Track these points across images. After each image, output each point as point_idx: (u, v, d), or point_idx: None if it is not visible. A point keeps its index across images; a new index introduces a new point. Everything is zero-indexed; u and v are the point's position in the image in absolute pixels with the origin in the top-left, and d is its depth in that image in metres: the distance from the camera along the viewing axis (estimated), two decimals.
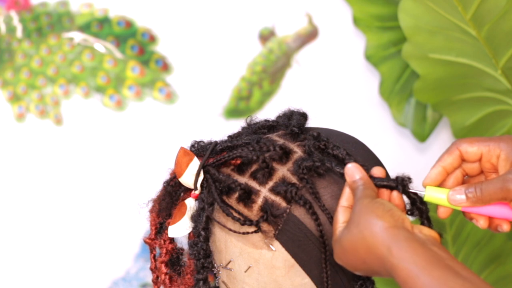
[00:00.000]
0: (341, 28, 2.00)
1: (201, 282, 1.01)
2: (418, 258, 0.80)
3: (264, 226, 0.94)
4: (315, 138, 0.98)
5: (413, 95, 1.87)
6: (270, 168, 0.95)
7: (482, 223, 0.91)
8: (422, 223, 0.94)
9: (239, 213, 0.95)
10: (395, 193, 0.92)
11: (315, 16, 2.00)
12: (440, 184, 0.93)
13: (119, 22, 1.94)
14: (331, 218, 0.94)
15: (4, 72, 1.91)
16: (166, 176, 1.04)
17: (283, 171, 0.96)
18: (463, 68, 1.73)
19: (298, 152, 0.97)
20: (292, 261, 0.95)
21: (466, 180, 0.94)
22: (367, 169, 0.92)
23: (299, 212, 0.94)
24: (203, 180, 0.99)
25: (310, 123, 1.04)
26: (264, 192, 0.95)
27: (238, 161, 0.98)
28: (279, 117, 1.05)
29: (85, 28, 1.93)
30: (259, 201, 0.95)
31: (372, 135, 2.04)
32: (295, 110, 1.05)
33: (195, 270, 1.02)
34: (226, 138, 1.03)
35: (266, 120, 1.04)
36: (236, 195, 0.96)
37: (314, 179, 0.95)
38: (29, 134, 1.93)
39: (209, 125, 1.98)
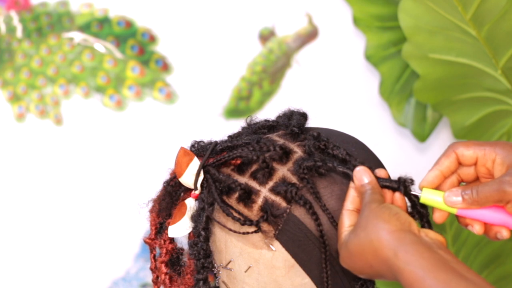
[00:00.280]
0: (341, 28, 2.00)
1: (201, 282, 1.01)
2: (424, 261, 0.81)
3: (264, 226, 0.94)
4: (315, 138, 0.98)
5: (413, 95, 1.87)
6: (270, 168, 0.95)
7: (477, 229, 0.90)
8: (423, 226, 0.94)
9: (239, 213, 0.95)
10: (397, 195, 0.92)
11: (315, 16, 2.00)
12: (437, 188, 0.93)
13: (119, 22, 1.94)
14: (332, 218, 0.94)
15: (4, 72, 1.91)
16: (166, 176, 1.04)
17: (283, 171, 0.96)
18: (463, 68, 1.73)
19: (298, 152, 0.97)
20: (292, 261, 0.95)
21: (462, 186, 0.94)
22: (371, 170, 0.92)
23: (299, 212, 0.94)
24: (203, 180, 0.99)
25: (310, 123, 1.04)
26: (264, 192, 0.95)
27: (238, 161, 0.98)
28: (279, 117, 1.05)
29: (85, 28, 1.93)
30: (259, 201, 0.95)
31: (372, 135, 2.03)
32: (295, 110, 1.05)
33: (195, 270, 1.02)
34: (226, 138, 1.03)
35: (266, 120, 1.04)
36: (236, 195, 0.96)
37: (315, 179, 0.95)
38: (29, 134, 1.93)
39: (209, 125, 1.98)
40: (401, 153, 2.08)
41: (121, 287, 2.00)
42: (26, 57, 1.92)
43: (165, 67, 1.96)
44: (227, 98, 2.00)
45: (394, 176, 0.94)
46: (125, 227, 1.97)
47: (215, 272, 1.02)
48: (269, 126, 1.04)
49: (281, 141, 0.98)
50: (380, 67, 1.97)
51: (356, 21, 1.95)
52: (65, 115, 1.94)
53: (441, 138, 2.09)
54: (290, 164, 0.96)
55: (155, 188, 1.05)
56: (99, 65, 1.94)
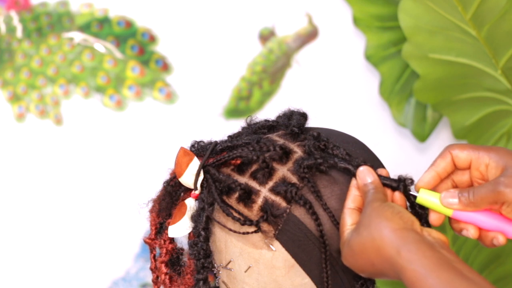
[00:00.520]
0: (341, 28, 2.00)
1: (201, 282, 1.01)
2: (427, 260, 0.81)
3: (264, 226, 0.94)
4: (315, 138, 0.98)
5: (413, 95, 1.87)
6: (270, 168, 0.95)
7: (472, 232, 0.90)
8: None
9: (239, 213, 0.95)
10: (397, 194, 0.92)
11: (315, 16, 2.00)
12: (432, 189, 0.93)
13: (119, 22, 1.94)
14: (333, 217, 0.94)
15: (4, 72, 1.91)
16: (166, 176, 1.04)
17: (283, 171, 0.96)
18: (463, 68, 1.73)
19: (298, 152, 0.97)
20: (292, 261, 0.95)
21: (458, 188, 0.94)
22: (373, 169, 0.93)
23: (299, 212, 0.94)
24: (203, 180, 0.99)
25: (310, 123, 1.04)
26: (264, 192, 0.95)
27: (238, 161, 0.98)
28: (279, 117, 1.05)
29: (85, 28, 1.93)
30: (259, 201, 0.95)
31: (372, 135, 2.03)
32: (295, 110, 1.05)
33: (195, 270, 1.02)
34: (226, 138, 1.03)
35: (266, 120, 1.04)
36: (236, 195, 0.96)
37: (315, 178, 0.95)
38: (29, 134, 1.93)
39: (209, 125, 1.98)
40: (401, 153, 2.08)
41: (121, 287, 2.00)
42: (26, 57, 1.92)
43: (165, 67, 1.96)
44: (227, 98, 1.99)
45: (394, 176, 0.94)
46: (125, 227, 1.97)
47: (215, 272, 1.02)
48: (269, 126, 1.04)
49: (281, 141, 0.98)
50: (380, 67, 1.97)
51: (356, 21, 1.95)
52: (65, 115, 1.94)
53: (441, 138, 2.09)
54: (290, 164, 0.96)
55: (155, 188, 1.05)
56: (99, 65, 1.94)
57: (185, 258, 1.05)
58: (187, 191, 1.03)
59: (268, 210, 0.93)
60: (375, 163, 0.99)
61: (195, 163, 0.98)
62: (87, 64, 1.93)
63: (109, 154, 1.96)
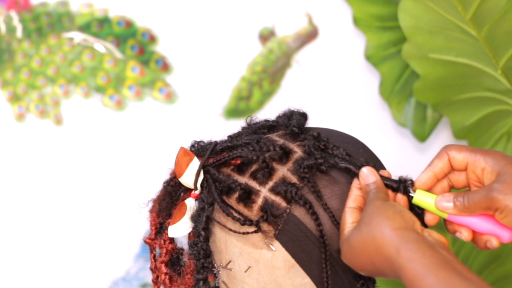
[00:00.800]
0: (341, 28, 2.00)
1: (201, 282, 1.01)
2: (426, 259, 0.81)
3: (264, 226, 0.94)
4: (315, 138, 0.98)
5: (413, 95, 1.87)
6: (270, 168, 0.95)
7: (466, 235, 0.90)
8: None
9: (239, 213, 0.95)
10: (399, 195, 0.93)
11: (315, 16, 2.00)
12: (429, 190, 0.93)
13: (119, 22, 1.94)
14: (333, 217, 0.94)
15: (4, 72, 1.91)
16: (166, 176, 1.04)
17: (283, 171, 0.96)
18: (463, 68, 1.73)
19: (298, 152, 0.97)
20: (292, 261, 0.95)
21: (454, 192, 0.94)
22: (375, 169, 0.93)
23: (299, 212, 0.94)
24: (203, 180, 0.99)
25: (310, 123, 1.04)
26: (264, 192, 0.95)
27: (238, 161, 0.98)
28: (279, 117, 1.05)
29: (85, 28, 1.93)
30: (259, 201, 0.95)
31: (372, 135, 2.03)
32: (295, 110, 1.05)
33: (195, 270, 1.02)
34: (226, 138, 1.03)
35: (266, 120, 1.04)
36: (236, 195, 0.96)
37: (315, 178, 0.95)
38: (29, 134, 1.93)
39: (209, 125, 1.98)
40: (401, 153, 2.08)
41: (121, 287, 2.01)
42: (26, 57, 1.92)
43: (165, 67, 1.96)
44: (227, 98, 2.00)
45: (394, 176, 0.94)
46: (125, 227, 1.97)
47: (215, 272, 1.02)
48: (269, 126, 1.04)
49: (281, 141, 0.98)
50: (380, 67, 1.97)
51: (356, 21, 1.95)
52: (65, 115, 1.94)
53: (441, 138, 2.09)
54: (290, 164, 0.96)
55: (155, 188, 1.05)
56: (99, 65, 1.94)
57: (185, 258, 1.05)
58: (187, 191, 1.03)
59: (268, 210, 0.93)
60: (375, 163, 0.99)
61: (195, 163, 0.98)
62: (87, 64, 1.93)
63: (109, 154, 1.96)
